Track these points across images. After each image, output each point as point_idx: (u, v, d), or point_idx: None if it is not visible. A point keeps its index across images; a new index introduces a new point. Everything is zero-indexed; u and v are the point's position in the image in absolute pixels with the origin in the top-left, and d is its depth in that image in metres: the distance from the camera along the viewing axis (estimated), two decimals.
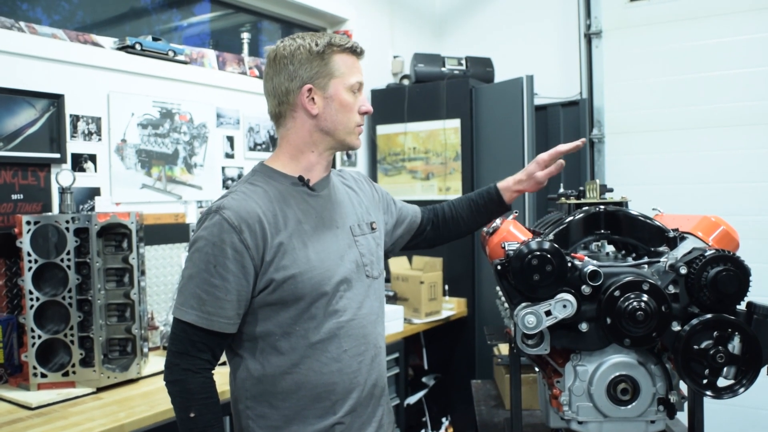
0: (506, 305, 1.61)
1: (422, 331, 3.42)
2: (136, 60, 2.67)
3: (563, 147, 1.83)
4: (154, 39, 2.73)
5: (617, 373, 1.38)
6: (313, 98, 1.47)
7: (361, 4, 4.03)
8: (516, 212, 1.79)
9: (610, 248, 1.84)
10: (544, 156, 1.82)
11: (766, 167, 3.48)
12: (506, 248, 1.44)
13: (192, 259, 1.39)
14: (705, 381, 1.31)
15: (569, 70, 4.08)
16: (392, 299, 3.33)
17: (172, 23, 3.20)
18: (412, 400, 3.45)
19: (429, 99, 3.79)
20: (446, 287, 3.59)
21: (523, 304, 1.37)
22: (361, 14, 3.99)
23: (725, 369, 1.30)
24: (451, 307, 3.54)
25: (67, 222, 2.09)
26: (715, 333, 1.31)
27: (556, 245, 1.37)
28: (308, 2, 3.63)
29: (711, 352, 1.30)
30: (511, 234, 1.61)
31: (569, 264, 1.37)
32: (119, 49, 2.64)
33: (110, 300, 2.20)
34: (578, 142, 1.82)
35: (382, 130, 3.99)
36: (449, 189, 3.73)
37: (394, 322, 3.06)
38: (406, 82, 4.04)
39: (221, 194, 1.48)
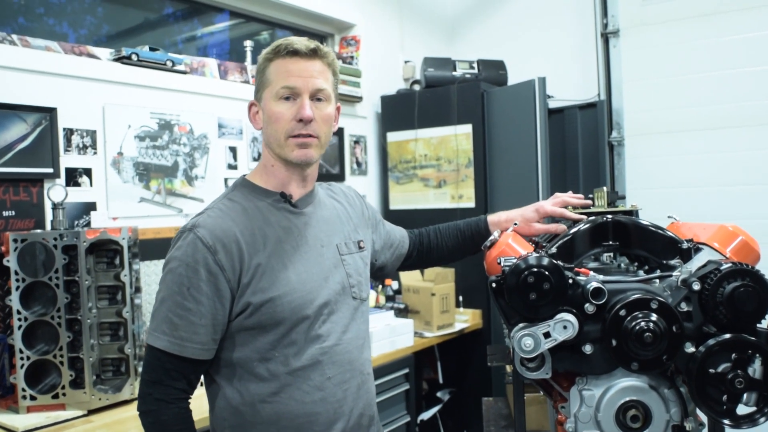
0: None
1: (436, 344, 3.30)
2: (132, 71, 2.61)
3: (572, 200, 1.68)
4: (152, 49, 2.66)
5: (627, 399, 1.25)
6: (257, 112, 1.44)
7: (370, 9, 3.94)
8: (517, 223, 1.68)
9: (623, 260, 1.72)
10: (547, 208, 1.67)
11: None
12: (502, 264, 1.33)
13: (165, 281, 1.32)
14: (723, 408, 1.18)
15: (586, 71, 3.94)
16: (403, 312, 3.22)
17: (183, 34, 3.17)
18: (426, 415, 3.34)
19: (440, 104, 3.68)
20: (460, 298, 3.48)
21: (520, 325, 1.26)
22: (369, 19, 3.91)
23: (745, 395, 1.18)
24: (465, 319, 3.42)
25: (55, 239, 2.02)
26: (734, 355, 1.18)
27: (556, 261, 1.25)
28: (315, 9, 3.55)
29: (729, 376, 1.18)
30: (510, 247, 1.51)
31: (570, 281, 1.25)
32: (115, 60, 2.59)
33: (103, 319, 2.13)
34: (586, 201, 1.68)
35: (392, 137, 3.89)
36: (462, 197, 3.62)
37: (404, 337, 2.95)
38: (416, 87, 3.94)
39: (198, 211, 1.41)
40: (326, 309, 1.39)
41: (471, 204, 3.58)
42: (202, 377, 1.39)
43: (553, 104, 3.62)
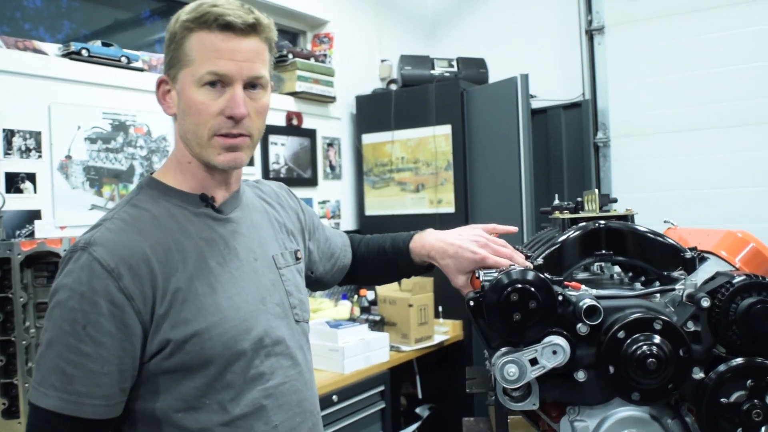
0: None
1: (414, 358, 3.11)
2: (82, 67, 2.41)
3: (499, 227, 1.41)
4: (105, 44, 2.47)
5: (625, 431, 1.09)
6: (169, 92, 1.13)
7: (345, 6, 3.77)
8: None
9: (615, 269, 1.56)
10: (489, 262, 1.28)
11: None
12: (481, 278, 1.15)
13: (52, 318, 1.01)
14: None
15: (570, 70, 3.80)
16: (379, 324, 3.03)
17: (156, 34, 2.99)
18: None
19: (417, 104, 3.51)
20: (439, 309, 3.30)
21: (503, 350, 1.08)
22: (344, 16, 3.74)
23: (764, 428, 1.02)
24: (445, 331, 3.25)
25: None
26: (749, 382, 1.02)
27: (543, 275, 1.08)
28: (286, 4, 3.38)
29: (744, 407, 1.02)
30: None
31: (560, 298, 1.08)
32: (64, 55, 2.39)
33: None
34: (511, 228, 1.44)
35: (368, 139, 3.72)
36: (441, 201, 3.45)
37: (379, 351, 2.77)
38: (393, 87, 3.77)
39: (93, 224, 1.10)
40: (267, 339, 1.14)
41: (451, 209, 3.41)
42: None
43: (536, 104, 3.47)
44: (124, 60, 2.53)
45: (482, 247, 1.30)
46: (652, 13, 3.52)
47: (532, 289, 1.05)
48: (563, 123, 3.72)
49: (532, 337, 1.07)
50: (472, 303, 1.12)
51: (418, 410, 3.33)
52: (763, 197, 3.22)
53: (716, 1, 3.34)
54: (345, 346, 2.59)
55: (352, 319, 2.99)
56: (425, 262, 1.41)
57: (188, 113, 1.09)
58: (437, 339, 3.13)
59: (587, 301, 1.07)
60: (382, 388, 2.75)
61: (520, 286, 1.05)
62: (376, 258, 1.49)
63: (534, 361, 1.06)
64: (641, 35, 3.55)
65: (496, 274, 1.11)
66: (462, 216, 3.36)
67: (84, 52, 2.40)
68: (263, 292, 1.17)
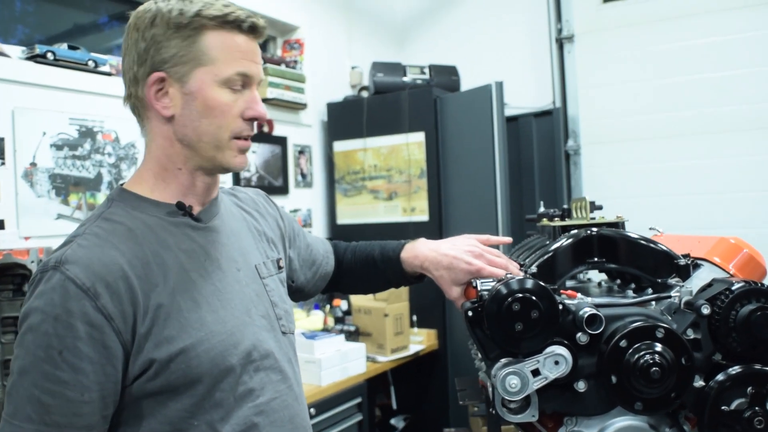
0: (479, 356, 1.30)
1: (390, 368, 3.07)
2: (48, 71, 2.31)
3: (493, 239, 1.39)
4: (71, 47, 2.38)
5: None
6: (167, 92, 1.04)
7: (315, 11, 3.73)
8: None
9: (601, 277, 1.54)
10: (485, 273, 1.26)
11: (759, 175, 3.22)
12: (479, 287, 1.12)
13: (23, 344, 0.93)
14: None
15: (541, 79, 3.82)
16: (354, 335, 2.98)
17: (115, 40, 2.89)
18: None
19: (390, 111, 3.48)
20: (414, 318, 3.27)
21: (503, 361, 1.06)
22: (314, 22, 3.69)
23: None
24: (420, 341, 3.21)
25: None
26: (749, 389, 1.02)
27: (543, 283, 1.05)
28: (256, 8, 3.31)
29: (746, 414, 1.01)
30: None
31: (560, 307, 1.05)
32: (28, 58, 2.29)
33: (8, 355, 1.83)
34: (505, 239, 1.43)
35: (339, 146, 3.67)
36: (415, 209, 3.41)
37: (356, 362, 2.72)
38: (365, 94, 3.73)
39: (63, 240, 1.02)
40: (255, 353, 1.08)
41: (424, 217, 3.38)
42: None
43: (507, 112, 3.46)
44: (91, 64, 2.44)
45: (477, 258, 1.28)
46: (621, 22, 3.55)
47: (534, 298, 1.03)
48: (534, 131, 3.73)
49: (533, 347, 1.04)
50: (470, 313, 1.09)
51: (393, 421, 3.28)
52: (735, 203, 3.27)
53: (684, 11, 3.39)
54: (322, 357, 2.53)
55: (326, 330, 2.93)
56: (417, 272, 1.38)
57: (208, 114, 1.04)
58: (413, 349, 3.09)
59: (588, 310, 1.05)
60: (359, 399, 2.70)
61: (521, 295, 1.03)
62: (364, 266, 1.45)
63: (536, 372, 1.04)
64: (610, 44, 3.59)
65: (494, 284, 1.09)
66: (436, 224, 3.33)
67: (49, 55, 2.30)
68: (248, 303, 1.11)
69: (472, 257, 1.27)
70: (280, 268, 1.25)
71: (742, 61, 3.26)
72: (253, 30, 1.06)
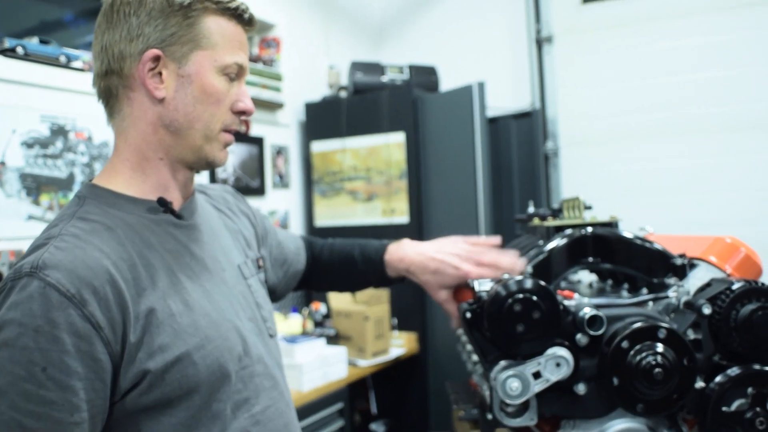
0: (474, 358, 1.27)
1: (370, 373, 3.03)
2: (17, 66, 2.23)
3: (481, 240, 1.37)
4: (42, 42, 2.30)
5: None
6: (160, 72, 0.97)
7: (292, 10, 3.67)
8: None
9: (590, 278, 1.53)
10: (473, 273, 1.27)
11: (740, 175, 3.25)
12: (477, 288, 1.09)
13: None
14: None
15: (520, 80, 3.81)
16: (333, 339, 2.93)
17: (82, 38, 2.80)
18: None
19: (369, 111, 3.43)
20: (395, 321, 3.23)
21: (503, 363, 1.03)
22: (291, 20, 3.64)
23: None
24: (401, 344, 3.17)
25: None
26: (750, 390, 1.00)
27: (544, 283, 1.03)
28: None
29: (747, 415, 1.00)
30: None
31: (561, 307, 1.03)
32: None
33: None
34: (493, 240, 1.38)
35: (317, 147, 3.61)
36: (394, 211, 3.37)
37: (337, 367, 2.66)
38: (343, 94, 3.69)
39: (33, 243, 0.92)
40: (247, 359, 1.02)
41: (404, 219, 3.34)
42: None
43: (487, 113, 3.44)
44: (63, 59, 2.36)
45: (464, 261, 1.27)
46: (600, 23, 3.55)
47: (535, 298, 1.00)
48: (514, 132, 3.72)
49: (534, 349, 1.02)
50: (468, 315, 1.06)
51: (373, 426, 3.23)
52: (715, 204, 3.28)
53: (664, 12, 3.40)
54: (303, 362, 2.47)
55: (305, 334, 2.88)
56: (400, 275, 1.35)
57: (204, 101, 0.99)
58: (394, 352, 3.04)
59: (588, 311, 1.02)
60: (340, 405, 2.65)
61: (521, 296, 1.00)
62: (342, 266, 1.41)
63: (537, 375, 1.01)
64: (589, 45, 3.58)
65: (493, 284, 1.06)
66: (416, 226, 3.30)
67: (19, 50, 2.22)
68: (236, 305, 1.05)
69: (460, 261, 1.26)
70: (259, 267, 1.21)
71: (723, 62, 3.28)
72: (250, 22, 1.04)
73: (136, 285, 0.90)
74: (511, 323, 1.00)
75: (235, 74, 1.02)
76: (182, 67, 0.97)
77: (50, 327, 0.81)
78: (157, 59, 0.96)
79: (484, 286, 1.09)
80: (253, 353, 1.04)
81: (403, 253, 1.33)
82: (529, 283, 1.02)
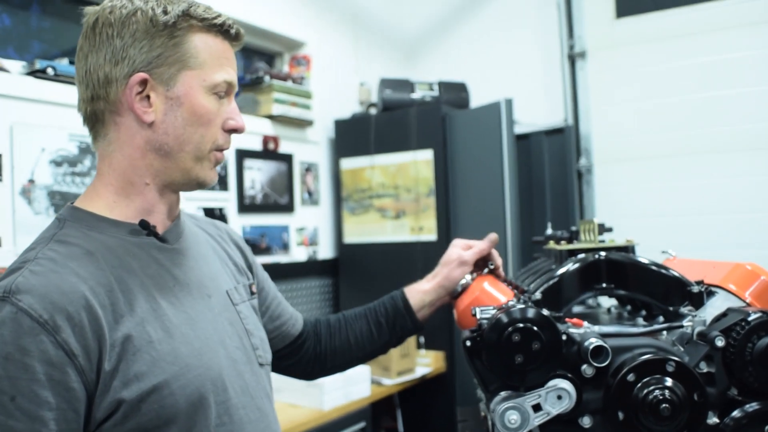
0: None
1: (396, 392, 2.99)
2: (48, 86, 2.28)
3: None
4: (72, 62, 2.34)
5: None
6: (148, 96, 0.94)
7: (322, 28, 3.70)
8: (492, 265, 1.41)
9: (611, 302, 1.48)
10: (467, 257, 1.39)
11: None
12: (478, 315, 1.06)
13: None
14: None
15: (552, 95, 3.75)
16: None
17: None
18: None
19: (398, 128, 3.42)
20: (421, 339, 3.19)
21: (502, 395, 1.00)
22: (322, 38, 3.66)
23: None
24: (427, 363, 3.13)
25: None
26: (767, 428, 0.95)
27: (546, 312, 0.99)
28: (262, 25, 3.29)
29: None
30: (486, 294, 1.25)
31: (564, 337, 0.99)
32: (28, 74, 2.27)
33: None
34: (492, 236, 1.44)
35: (346, 164, 3.62)
36: (422, 228, 3.35)
37: (360, 386, 2.64)
38: (373, 110, 3.69)
39: (9, 266, 0.90)
40: (231, 390, 0.97)
41: (432, 236, 3.31)
42: None
43: (518, 130, 3.40)
44: None
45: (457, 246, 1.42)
46: (634, 39, 3.49)
47: (535, 328, 0.97)
48: (546, 149, 3.65)
49: (535, 380, 0.98)
50: (468, 343, 1.03)
51: None
52: (752, 223, 3.17)
53: (698, 27, 3.32)
54: (324, 380, 2.45)
55: None
56: (426, 315, 1.42)
57: (194, 122, 0.96)
58: (419, 371, 3.00)
59: (593, 341, 0.98)
60: (363, 424, 2.62)
61: (521, 325, 0.97)
62: (362, 319, 1.38)
63: (537, 407, 0.97)
64: (623, 60, 3.52)
65: (494, 312, 1.03)
66: (444, 244, 3.23)
67: (50, 71, 2.28)
68: (222, 333, 1.01)
69: (455, 248, 1.42)
70: (252, 293, 1.16)
71: (760, 78, 3.18)
72: (237, 37, 1.02)
73: (114, 311, 0.87)
74: (510, 353, 0.96)
75: (224, 92, 0.99)
76: (170, 89, 0.95)
77: (21, 354, 0.79)
78: (144, 83, 0.94)
79: (485, 314, 1.05)
80: (238, 384, 1.00)
81: (412, 288, 1.41)
82: (529, 312, 0.98)
